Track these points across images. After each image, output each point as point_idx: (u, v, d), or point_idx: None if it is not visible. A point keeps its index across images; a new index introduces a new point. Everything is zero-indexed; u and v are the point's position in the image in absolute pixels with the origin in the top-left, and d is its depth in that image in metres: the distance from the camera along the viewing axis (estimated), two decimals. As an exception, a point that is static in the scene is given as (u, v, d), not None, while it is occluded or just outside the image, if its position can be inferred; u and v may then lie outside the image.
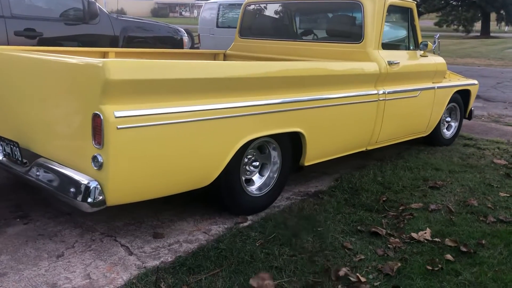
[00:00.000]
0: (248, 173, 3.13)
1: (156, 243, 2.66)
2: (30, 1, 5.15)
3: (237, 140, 2.78)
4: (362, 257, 2.59)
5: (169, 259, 2.50)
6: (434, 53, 4.79)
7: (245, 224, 2.96)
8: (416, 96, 4.22)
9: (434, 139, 4.96)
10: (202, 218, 3.02)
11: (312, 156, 3.36)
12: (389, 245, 2.73)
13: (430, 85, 4.45)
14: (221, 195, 2.96)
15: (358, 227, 2.95)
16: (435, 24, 33.58)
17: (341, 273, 2.38)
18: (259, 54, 4.29)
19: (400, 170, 4.11)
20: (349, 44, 3.88)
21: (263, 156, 3.20)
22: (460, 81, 5.11)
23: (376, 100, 3.73)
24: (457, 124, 5.26)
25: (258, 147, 3.13)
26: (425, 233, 2.87)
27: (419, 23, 4.44)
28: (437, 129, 4.88)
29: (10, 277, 2.25)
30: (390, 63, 3.79)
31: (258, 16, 4.86)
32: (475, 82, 5.35)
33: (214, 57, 4.77)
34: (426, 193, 3.60)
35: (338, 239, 2.78)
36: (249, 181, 3.15)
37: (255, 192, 3.14)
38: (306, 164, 3.35)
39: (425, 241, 2.79)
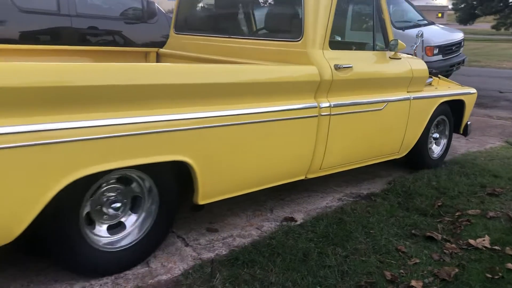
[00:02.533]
0: (103, 218, 2.28)
1: (211, 236, 2.73)
2: (92, 1, 5.40)
3: (56, 177, 1.90)
4: (417, 261, 2.54)
5: (224, 252, 2.55)
6: (415, 54, 4.09)
7: (297, 222, 2.98)
8: (380, 109, 3.32)
9: (416, 160, 4.08)
10: (254, 214, 3.06)
11: (210, 192, 2.52)
12: (445, 251, 2.67)
13: (402, 95, 3.53)
14: (48, 250, 2.14)
15: (412, 231, 2.89)
16: (492, 27, 32.26)
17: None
18: (192, 53, 3.53)
19: (455, 176, 3.99)
20: (287, 43, 3.02)
21: (129, 194, 2.35)
22: (450, 90, 4.19)
23: (316, 116, 2.88)
24: (445, 141, 4.37)
25: (122, 182, 2.29)
26: (484, 240, 2.78)
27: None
28: (420, 148, 3.97)
29: (75, 260, 2.37)
30: (338, 68, 2.95)
31: (193, 8, 4.09)
32: (472, 90, 4.41)
33: (146, 56, 3.96)
34: (484, 200, 3.47)
35: (392, 242, 2.74)
36: (103, 230, 2.30)
37: (110, 247, 2.27)
38: (202, 202, 2.50)
39: (484, 249, 2.70)
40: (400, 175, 3.98)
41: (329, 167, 3.18)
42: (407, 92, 3.61)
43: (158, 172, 2.32)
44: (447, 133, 4.38)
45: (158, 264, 2.40)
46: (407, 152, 3.85)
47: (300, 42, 2.95)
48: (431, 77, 4.15)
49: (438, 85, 4.24)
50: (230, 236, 2.75)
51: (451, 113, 4.30)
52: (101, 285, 2.19)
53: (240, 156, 2.57)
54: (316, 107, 2.89)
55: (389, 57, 3.44)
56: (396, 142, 3.67)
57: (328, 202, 3.36)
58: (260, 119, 2.60)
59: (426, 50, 7.44)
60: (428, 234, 2.84)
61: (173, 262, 2.42)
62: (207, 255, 2.52)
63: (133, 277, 2.27)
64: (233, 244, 2.65)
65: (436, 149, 4.32)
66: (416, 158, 4.06)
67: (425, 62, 3.89)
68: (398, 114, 3.55)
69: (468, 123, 4.54)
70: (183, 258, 2.47)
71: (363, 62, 3.24)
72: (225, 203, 3.13)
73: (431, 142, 4.24)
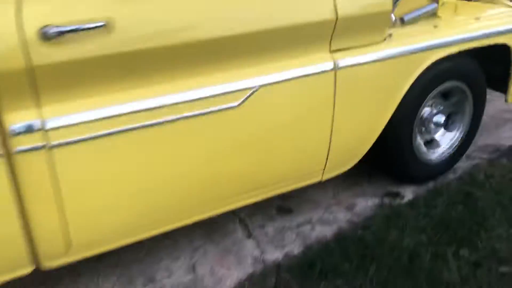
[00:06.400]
0: None
1: (282, 222, 2.04)
2: None
3: None
4: None
5: (295, 251, 1.87)
6: None
7: (404, 200, 2.16)
8: (233, 106, 1.50)
9: (395, 168, 2.20)
10: (344, 184, 2.29)
11: None
12: None
13: (307, 63, 1.62)
14: None
15: None
16: None
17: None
18: None
19: None
20: None
21: None
22: (476, 25, 2.04)
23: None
24: (462, 128, 2.27)
25: None
26: None
27: None
28: (391, 149, 2.06)
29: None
30: None
31: None
32: None
33: None
34: None
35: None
36: None
37: None
38: None
39: None
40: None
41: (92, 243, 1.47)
42: (331, 52, 1.68)
43: None
44: (468, 111, 2.26)
45: (206, 270, 1.81)
46: (351, 165, 1.97)
47: None
48: (437, 1, 2.03)
49: (456, 13, 2.16)
50: (307, 223, 2.04)
51: (479, 74, 2.18)
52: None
53: None
54: None
55: None
56: (304, 157, 1.80)
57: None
58: None
59: None
60: None
61: (226, 267, 1.82)
62: (273, 255, 1.87)
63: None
64: (310, 237, 1.95)
65: (440, 146, 2.26)
66: (388, 165, 2.22)
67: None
68: (298, 105, 1.66)
69: None
70: (241, 260, 1.85)
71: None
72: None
73: (428, 132, 2.20)
